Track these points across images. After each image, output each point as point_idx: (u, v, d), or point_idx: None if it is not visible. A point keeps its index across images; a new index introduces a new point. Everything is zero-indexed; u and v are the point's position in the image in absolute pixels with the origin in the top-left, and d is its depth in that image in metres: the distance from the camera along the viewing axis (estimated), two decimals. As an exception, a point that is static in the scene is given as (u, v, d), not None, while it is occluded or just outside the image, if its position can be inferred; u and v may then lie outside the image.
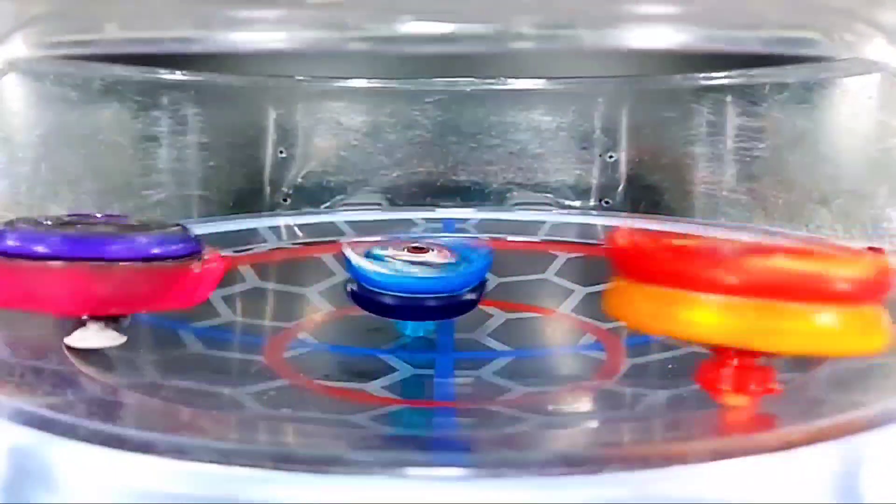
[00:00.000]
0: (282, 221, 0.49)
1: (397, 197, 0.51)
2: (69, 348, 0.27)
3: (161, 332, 0.32)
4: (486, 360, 0.31)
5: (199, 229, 0.45)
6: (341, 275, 0.39)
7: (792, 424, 0.22)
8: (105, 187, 0.47)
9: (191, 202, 0.50)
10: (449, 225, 0.47)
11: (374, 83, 0.51)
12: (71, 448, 0.20)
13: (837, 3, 0.32)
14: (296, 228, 0.47)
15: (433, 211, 0.50)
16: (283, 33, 0.29)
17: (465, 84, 0.50)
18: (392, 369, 0.31)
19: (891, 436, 0.21)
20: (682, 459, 0.20)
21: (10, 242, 0.26)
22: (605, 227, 0.47)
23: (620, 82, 0.51)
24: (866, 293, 0.21)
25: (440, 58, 0.50)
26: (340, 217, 0.48)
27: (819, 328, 0.21)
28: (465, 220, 0.48)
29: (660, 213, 0.50)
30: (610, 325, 0.34)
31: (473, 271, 0.32)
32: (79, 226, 0.28)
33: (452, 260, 0.32)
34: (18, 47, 0.35)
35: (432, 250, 0.33)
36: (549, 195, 0.51)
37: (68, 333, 0.27)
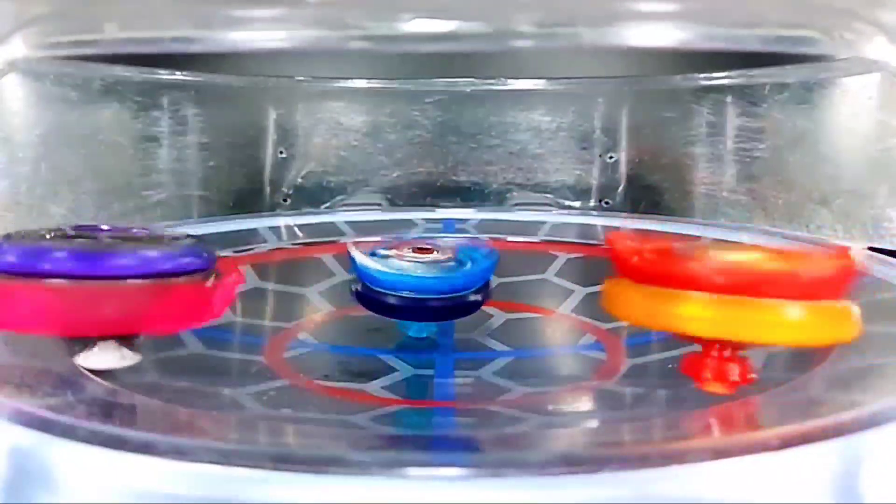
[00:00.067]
0: (282, 221, 0.49)
1: (397, 197, 0.51)
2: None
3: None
4: (486, 361, 0.31)
5: (199, 229, 0.45)
6: (341, 275, 0.39)
7: (792, 424, 0.22)
8: (105, 187, 0.47)
9: (191, 202, 0.50)
10: (449, 225, 0.47)
11: (374, 83, 0.51)
12: (71, 449, 0.20)
13: (838, 1, 0.32)
14: (296, 228, 0.47)
15: (433, 211, 0.50)
16: (283, 32, 0.29)
17: (465, 84, 0.50)
18: (392, 369, 0.31)
19: (891, 436, 0.21)
20: (681, 459, 0.20)
21: (10, 258, 0.24)
22: (605, 228, 0.47)
23: (620, 82, 0.51)
24: (832, 289, 0.23)
25: (440, 58, 0.50)
26: (340, 217, 0.48)
27: (790, 321, 0.23)
28: (465, 221, 0.48)
29: (660, 214, 0.50)
30: (610, 325, 0.34)
31: (478, 272, 0.32)
32: (82, 239, 0.26)
33: (457, 260, 0.32)
34: (18, 47, 0.35)
35: (437, 251, 0.33)
36: (549, 195, 0.51)
37: (76, 350, 0.25)
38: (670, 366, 0.30)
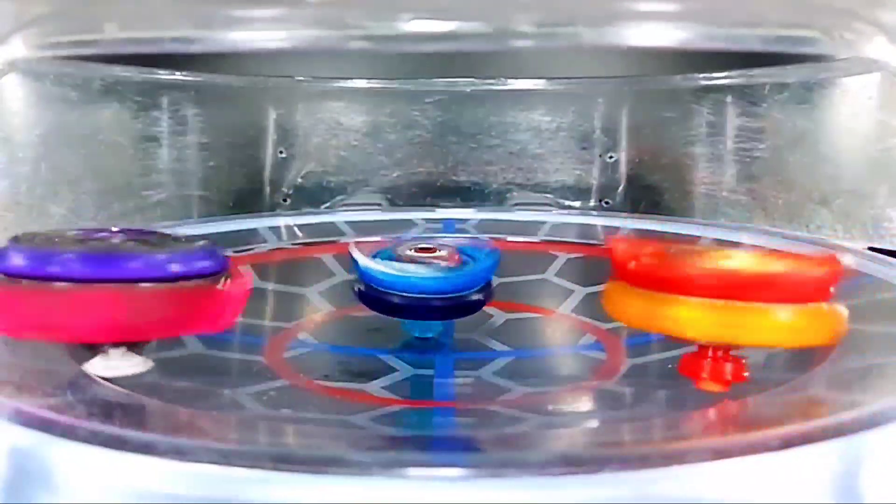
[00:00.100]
0: (282, 221, 0.49)
1: (397, 197, 0.51)
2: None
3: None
4: (486, 361, 0.31)
5: (199, 229, 0.45)
6: (341, 275, 0.39)
7: (792, 424, 0.22)
8: (105, 187, 0.47)
9: (191, 202, 0.50)
10: (449, 225, 0.47)
11: (374, 83, 0.51)
12: (71, 449, 0.20)
13: (838, 1, 0.32)
14: (296, 228, 0.47)
15: (433, 211, 0.50)
16: (283, 32, 0.29)
17: (465, 84, 0.50)
18: (392, 369, 0.31)
19: (891, 436, 0.21)
20: (682, 459, 0.20)
21: (17, 261, 0.23)
22: (605, 228, 0.47)
23: (620, 82, 0.51)
24: (819, 292, 0.24)
25: (440, 58, 0.50)
26: (340, 217, 0.48)
27: (778, 324, 0.24)
28: (465, 221, 0.48)
29: (660, 214, 0.50)
30: (610, 325, 0.34)
31: (480, 272, 0.32)
32: (91, 242, 0.25)
33: (460, 260, 0.32)
34: (18, 47, 0.35)
35: (439, 250, 0.33)
36: (549, 195, 0.51)
37: (84, 357, 0.24)
38: (670, 366, 0.30)
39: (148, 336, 0.24)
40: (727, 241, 0.43)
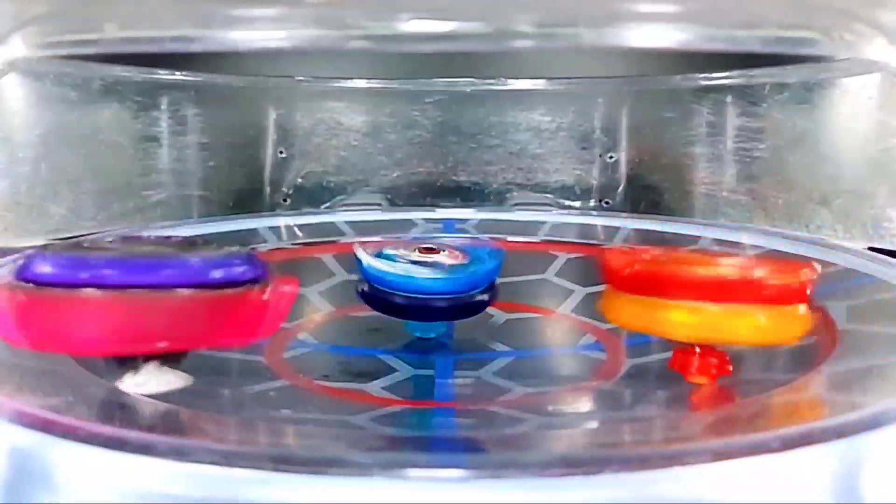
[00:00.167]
0: (282, 221, 0.49)
1: (397, 197, 0.51)
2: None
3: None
4: (486, 361, 0.31)
5: (199, 229, 0.45)
6: (341, 275, 0.39)
7: (792, 424, 0.22)
8: (105, 187, 0.47)
9: (191, 202, 0.50)
10: (449, 225, 0.47)
11: (374, 83, 0.51)
12: (71, 449, 0.20)
13: (838, 2, 0.32)
14: (296, 228, 0.47)
15: (433, 211, 0.50)
16: (283, 32, 0.29)
17: (465, 84, 0.50)
18: (392, 370, 0.31)
19: (891, 436, 0.21)
20: (682, 460, 0.20)
21: (45, 269, 0.21)
22: (605, 228, 0.47)
23: (620, 82, 0.51)
24: (795, 296, 0.27)
25: (440, 58, 0.50)
26: (340, 217, 0.48)
27: (756, 325, 0.26)
28: (465, 221, 0.48)
29: (660, 214, 0.50)
30: (610, 326, 0.34)
31: (485, 272, 0.32)
32: (122, 247, 0.23)
33: (463, 261, 0.32)
34: (18, 47, 0.35)
35: (443, 251, 0.33)
36: (549, 195, 0.51)
37: (118, 374, 0.23)
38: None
39: (185, 346, 0.24)
40: (727, 242, 0.43)
